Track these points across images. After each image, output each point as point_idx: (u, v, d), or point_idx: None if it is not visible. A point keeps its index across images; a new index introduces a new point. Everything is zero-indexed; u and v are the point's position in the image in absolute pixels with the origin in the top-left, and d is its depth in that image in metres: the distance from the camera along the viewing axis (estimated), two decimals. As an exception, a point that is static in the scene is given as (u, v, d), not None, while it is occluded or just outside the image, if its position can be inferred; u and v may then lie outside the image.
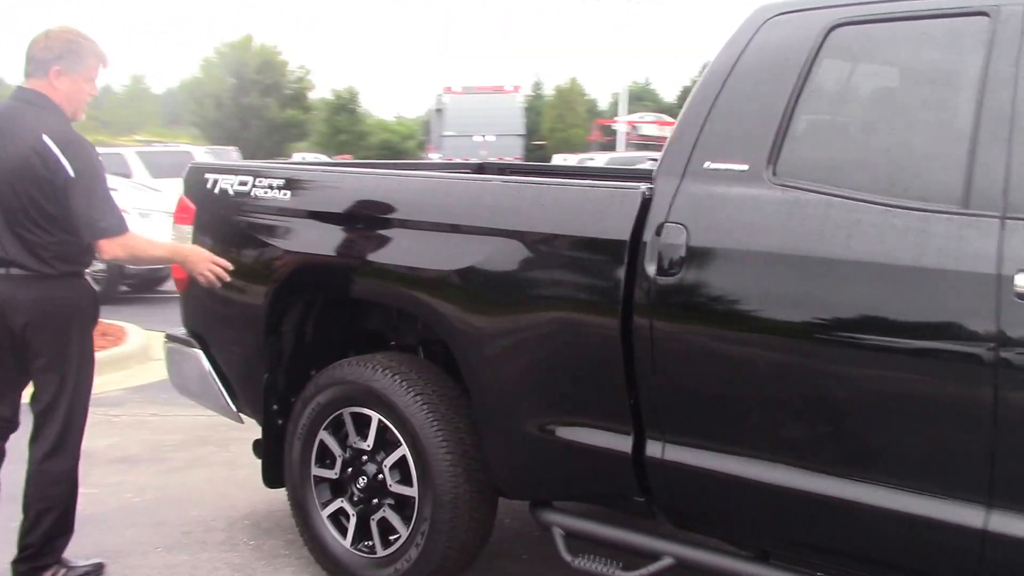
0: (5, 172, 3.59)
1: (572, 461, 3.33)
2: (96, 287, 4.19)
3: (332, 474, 3.88)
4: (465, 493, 3.58)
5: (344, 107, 69.91)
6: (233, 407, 4.25)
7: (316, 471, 3.93)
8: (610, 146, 42.02)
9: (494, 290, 3.39)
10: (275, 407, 4.10)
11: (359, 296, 3.88)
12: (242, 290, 4.09)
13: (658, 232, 3.06)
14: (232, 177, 4.19)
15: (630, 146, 41.49)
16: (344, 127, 72.99)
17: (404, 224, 3.65)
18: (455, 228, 3.50)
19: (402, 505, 3.71)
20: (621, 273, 3.11)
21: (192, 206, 4.29)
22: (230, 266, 3.91)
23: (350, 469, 3.83)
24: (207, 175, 4.30)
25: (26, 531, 3.75)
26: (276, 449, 4.10)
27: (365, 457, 3.79)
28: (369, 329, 4.21)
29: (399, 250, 3.61)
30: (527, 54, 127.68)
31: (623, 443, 3.18)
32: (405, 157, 58.57)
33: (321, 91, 66.74)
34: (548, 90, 64.06)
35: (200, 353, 4.30)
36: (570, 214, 3.26)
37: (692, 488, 3.10)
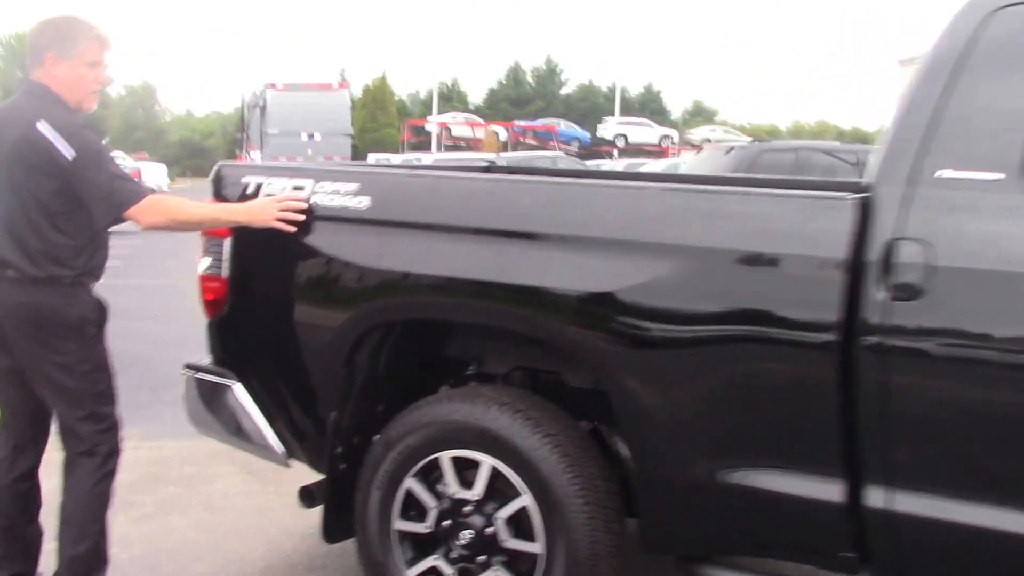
0: (1, 167, 3.38)
1: (757, 511, 2.92)
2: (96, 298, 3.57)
3: (422, 528, 3.34)
4: (604, 549, 3.13)
5: (140, 104, 66.92)
6: (281, 449, 3.63)
7: (400, 524, 3.37)
8: (422, 146, 41.77)
9: (668, 317, 2.94)
10: (340, 450, 3.52)
11: (470, 321, 3.36)
12: (307, 315, 3.50)
13: (888, 250, 2.70)
14: (282, 180, 3.57)
15: (444, 147, 41.41)
16: (140, 124, 69.89)
17: (542, 238, 3.14)
18: (614, 244, 3.02)
19: (517, 562, 3.22)
20: (837, 297, 2.73)
21: (229, 219, 3.65)
22: (303, 204, 3.44)
23: (448, 522, 3.30)
24: (246, 178, 3.66)
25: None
26: (339, 497, 3.52)
27: (469, 508, 3.27)
28: (437, 357, 3.69)
29: (535, 269, 3.11)
30: (331, 49, 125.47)
31: (832, 491, 2.80)
32: (212, 155, 56.31)
33: (117, 87, 63.50)
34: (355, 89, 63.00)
35: (238, 387, 3.65)
36: (766, 227, 2.86)
37: (927, 544, 2.75)
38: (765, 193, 3.06)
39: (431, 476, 3.33)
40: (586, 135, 44.53)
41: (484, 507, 3.25)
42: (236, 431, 3.71)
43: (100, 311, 3.53)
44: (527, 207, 3.21)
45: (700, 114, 73.37)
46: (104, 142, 3.55)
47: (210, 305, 3.71)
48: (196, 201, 3.58)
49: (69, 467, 3.52)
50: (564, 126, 45.41)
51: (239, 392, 3.65)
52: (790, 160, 14.28)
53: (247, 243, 3.60)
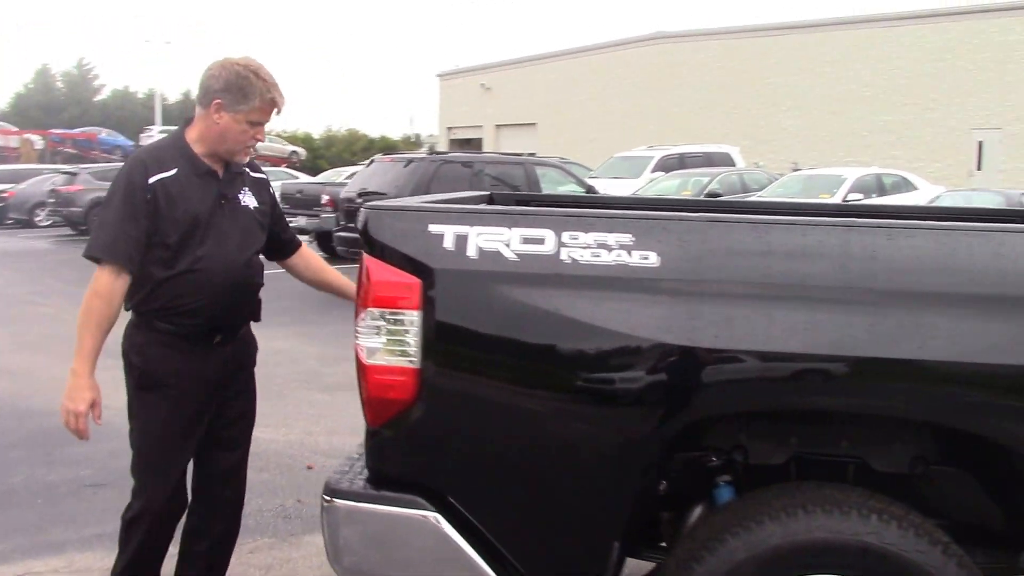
0: None
1: None
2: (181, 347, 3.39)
3: None
4: None
5: None
6: (513, 598, 2.64)
7: None
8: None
9: None
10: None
11: (841, 408, 2.57)
12: (569, 415, 2.55)
13: None
14: (502, 232, 2.58)
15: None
16: None
17: (947, 300, 2.44)
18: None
19: None
20: None
21: (415, 279, 2.59)
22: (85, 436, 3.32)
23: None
24: (435, 227, 2.62)
25: None
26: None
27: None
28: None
29: (944, 338, 2.40)
30: None
31: None
32: None
33: None
34: None
35: (439, 518, 2.61)
36: None
37: None
38: None
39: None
40: (129, 143, 42.96)
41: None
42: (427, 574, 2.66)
43: (156, 363, 3.35)
44: (914, 261, 2.49)
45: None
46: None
47: (384, 405, 2.64)
48: (91, 316, 3.24)
49: None
50: (106, 134, 44.24)
51: (441, 526, 2.61)
52: (466, 173, 14.16)
53: (456, 318, 2.58)
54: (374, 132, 61.47)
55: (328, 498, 2.72)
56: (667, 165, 21.71)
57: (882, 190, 18.39)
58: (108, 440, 4.33)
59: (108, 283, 3.23)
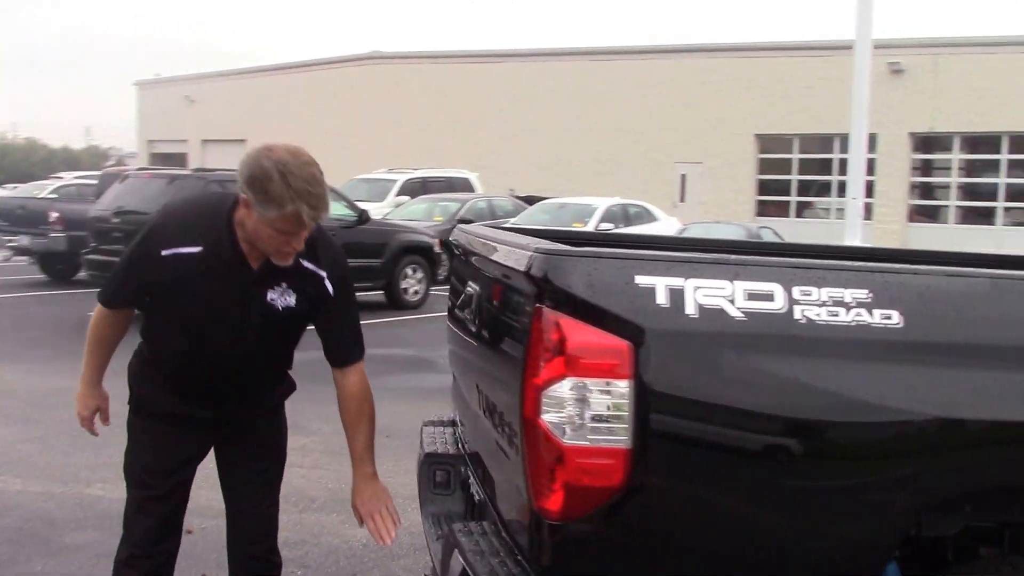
0: None
1: None
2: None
3: None
4: None
5: None
6: None
7: None
8: None
9: None
10: None
11: None
12: (825, 501, 2.19)
13: None
14: (723, 286, 2.19)
15: None
16: None
17: None
18: None
19: None
20: None
21: (624, 343, 2.15)
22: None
23: None
24: (643, 279, 2.18)
25: None
26: None
27: None
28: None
29: None
30: None
31: None
32: None
33: None
34: None
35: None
36: None
37: None
38: None
39: None
40: None
41: None
42: None
43: (144, 401, 3.20)
44: None
45: None
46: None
47: (584, 495, 2.16)
48: (89, 344, 3.28)
49: None
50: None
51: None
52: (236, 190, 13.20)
53: (675, 388, 2.16)
54: (55, 142, 57.22)
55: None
56: (411, 189, 21.40)
57: (628, 220, 18.99)
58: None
59: (98, 313, 3.18)
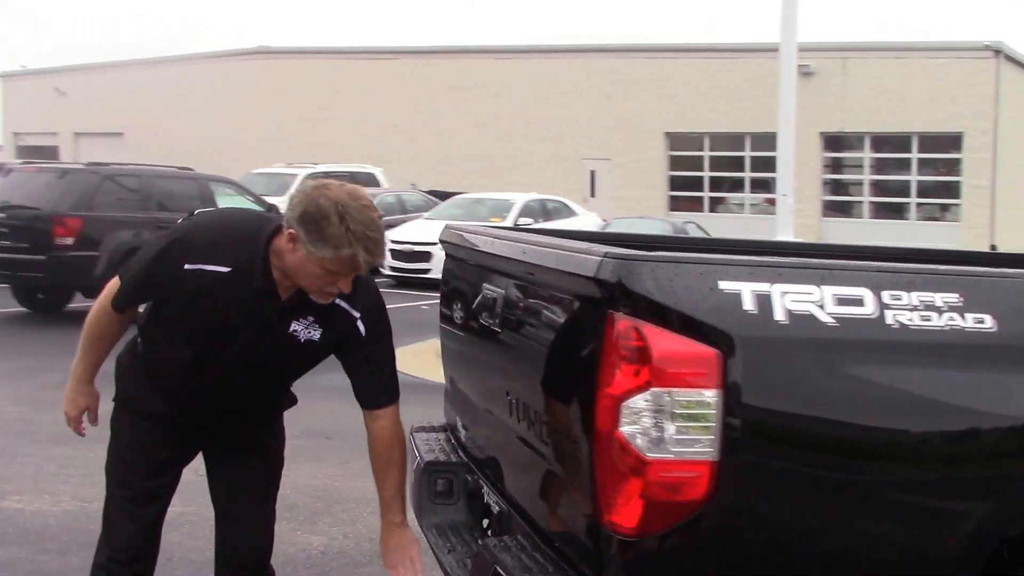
0: None
1: None
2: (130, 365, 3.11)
3: None
4: None
5: None
6: None
7: None
8: None
9: None
10: None
11: None
12: (926, 512, 2.08)
13: None
14: (811, 291, 2.06)
15: None
16: None
17: None
18: None
19: None
20: None
21: (711, 350, 1.99)
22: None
23: None
24: (727, 284, 2.03)
25: None
26: None
27: None
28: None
29: None
30: None
31: None
32: None
33: None
34: None
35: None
36: None
37: None
38: None
39: None
40: None
41: None
42: None
43: (132, 398, 3.03)
44: None
45: None
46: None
47: (667, 509, 2.01)
48: (83, 341, 3.08)
49: None
50: None
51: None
52: (134, 185, 13.03)
53: (765, 397, 2.02)
54: None
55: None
56: (313, 184, 20.76)
57: (547, 215, 18.89)
58: None
59: (99, 308, 2.98)
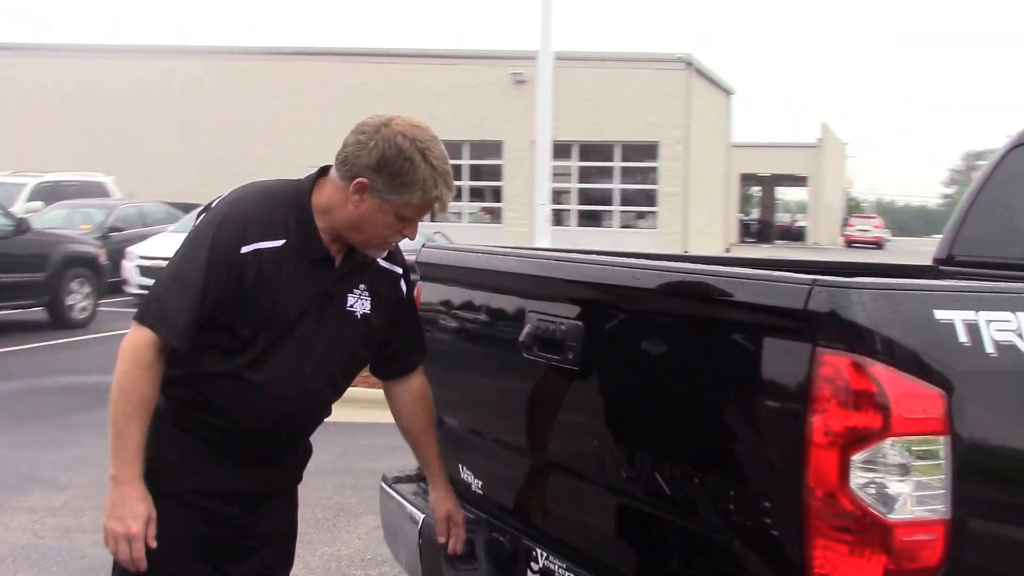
0: None
1: None
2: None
3: None
4: None
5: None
6: None
7: None
8: None
9: None
10: None
11: None
12: None
13: None
14: (1008, 318, 1.91)
15: None
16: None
17: None
18: None
19: None
20: None
21: (935, 391, 1.81)
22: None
23: None
24: (943, 313, 1.85)
25: None
26: None
27: None
28: None
29: None
30: None
31: None
32: None
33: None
34: None
35: None
36: None
37: None
38: None
39: None
40: None
41: None
42: None
43: (174, 468, 2.42)
44: None
45: None
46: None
47: (902, 578, 1.80)
48: (131, 397, 2.31)
49: None
50: None
51: None
52: None
53: (990, 441, 1.86)
54: None
55: None
56: (44, 194, 18.98)
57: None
58: None
59: (138, 360, 2.30)
